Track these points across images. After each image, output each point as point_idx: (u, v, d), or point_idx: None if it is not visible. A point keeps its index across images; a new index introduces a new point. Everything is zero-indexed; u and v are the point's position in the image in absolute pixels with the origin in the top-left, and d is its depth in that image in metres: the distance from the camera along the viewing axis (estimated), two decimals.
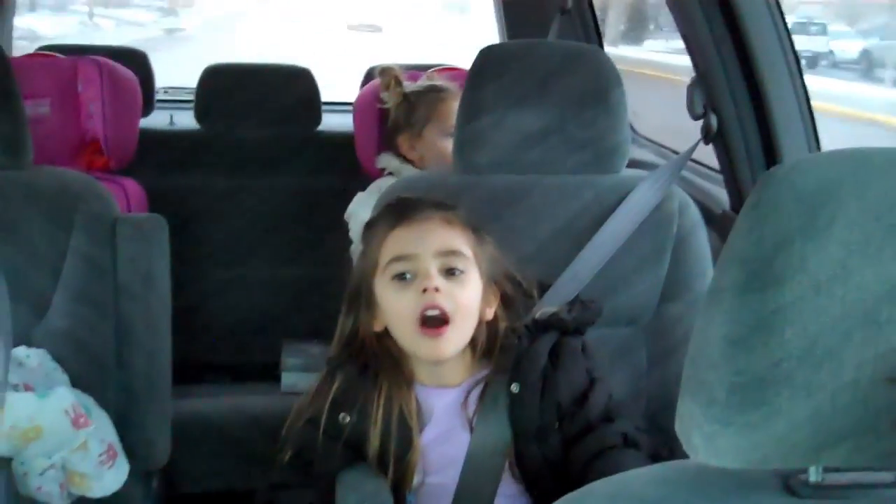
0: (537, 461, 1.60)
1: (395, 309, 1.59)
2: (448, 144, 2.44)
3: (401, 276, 1.59)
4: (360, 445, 1.61)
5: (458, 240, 1.62)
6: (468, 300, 1.59)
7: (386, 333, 1.64)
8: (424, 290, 1.55)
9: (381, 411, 1.60)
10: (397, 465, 1.59)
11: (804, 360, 0.80)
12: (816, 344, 0.80)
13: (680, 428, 0.87)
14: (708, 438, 0.83)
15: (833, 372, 0.81)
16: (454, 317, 1.57)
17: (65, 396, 1.59)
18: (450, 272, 1.59)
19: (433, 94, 2.54)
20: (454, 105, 2.44)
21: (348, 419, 1.61)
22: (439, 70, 2.94)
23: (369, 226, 1.70)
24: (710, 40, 2.06)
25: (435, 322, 1.56)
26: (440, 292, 1.56)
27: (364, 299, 1.65)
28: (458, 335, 1.59)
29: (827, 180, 0.82)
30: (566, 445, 1.60)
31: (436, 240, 1.60)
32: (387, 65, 2.66)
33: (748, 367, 0.81)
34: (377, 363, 1.64)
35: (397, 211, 1.67)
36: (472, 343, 1.63)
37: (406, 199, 1.71)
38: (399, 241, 1.61)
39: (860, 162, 0.83)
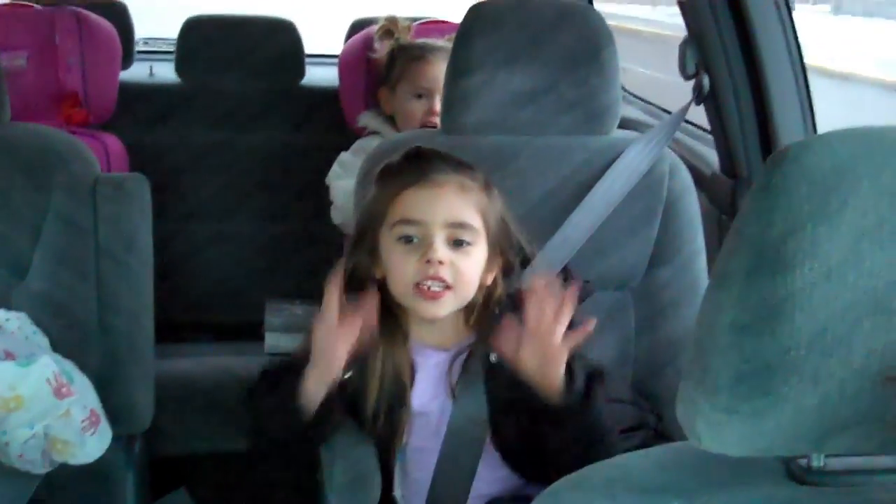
0: (512, 434, 1.57)
1: (396, 269, 1.55)
2: (416, 106, 2.41)
3: (406, 239, 1.55)
4: (356, 400, 1.59)
5: (470, 210, 1.56)
6: (471, 271, 1.55)
7: (385, 283, 1.61)
8: (428, 261, 1.52)
9: (378, 366, 1.57)
10: (388, 420, 1.57)
11: (813, 348, 0.78)
12: (826, 331, 0.78)
13: (682, 415, 0.84)
14: (712, 427, 0.82)
15: (842, 360, 0.79)
16: (455, 285, 1.53)
17: (47, 365, 1.56)
18: (457, 243, 1.54)
19: (411, 52, 2.49)
20: (434, 67, 2.41)
21: (349, 374, 1.57)
22: (426, 23, 2.89)
23: (384, 172, 1.63)
24: None
25: (434, 288, 1.53)
26: (444, 264, 1.52)
27: (367, 244, 1.61)
28: (456, 301, 1.56)
29: (839, 162, 0.79)
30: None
31: (447, 210, 1.55)
32: (390, 15, 2.64)
33: (756, 354, 0.79)
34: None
35: (414, 168, 1.59)
36: (468, 306, 1.60)
37: (426, 153, 1.63)
38: (410, 203, 1.55)
39: (873, 142, 0.80)
